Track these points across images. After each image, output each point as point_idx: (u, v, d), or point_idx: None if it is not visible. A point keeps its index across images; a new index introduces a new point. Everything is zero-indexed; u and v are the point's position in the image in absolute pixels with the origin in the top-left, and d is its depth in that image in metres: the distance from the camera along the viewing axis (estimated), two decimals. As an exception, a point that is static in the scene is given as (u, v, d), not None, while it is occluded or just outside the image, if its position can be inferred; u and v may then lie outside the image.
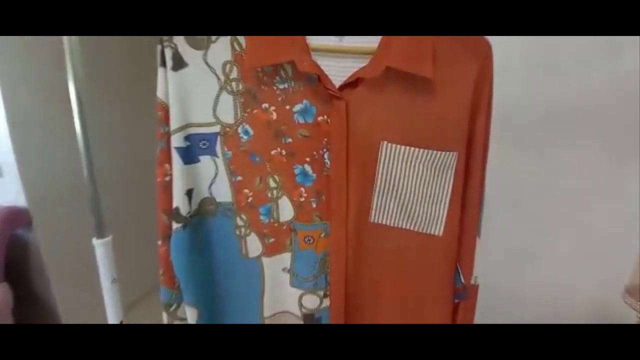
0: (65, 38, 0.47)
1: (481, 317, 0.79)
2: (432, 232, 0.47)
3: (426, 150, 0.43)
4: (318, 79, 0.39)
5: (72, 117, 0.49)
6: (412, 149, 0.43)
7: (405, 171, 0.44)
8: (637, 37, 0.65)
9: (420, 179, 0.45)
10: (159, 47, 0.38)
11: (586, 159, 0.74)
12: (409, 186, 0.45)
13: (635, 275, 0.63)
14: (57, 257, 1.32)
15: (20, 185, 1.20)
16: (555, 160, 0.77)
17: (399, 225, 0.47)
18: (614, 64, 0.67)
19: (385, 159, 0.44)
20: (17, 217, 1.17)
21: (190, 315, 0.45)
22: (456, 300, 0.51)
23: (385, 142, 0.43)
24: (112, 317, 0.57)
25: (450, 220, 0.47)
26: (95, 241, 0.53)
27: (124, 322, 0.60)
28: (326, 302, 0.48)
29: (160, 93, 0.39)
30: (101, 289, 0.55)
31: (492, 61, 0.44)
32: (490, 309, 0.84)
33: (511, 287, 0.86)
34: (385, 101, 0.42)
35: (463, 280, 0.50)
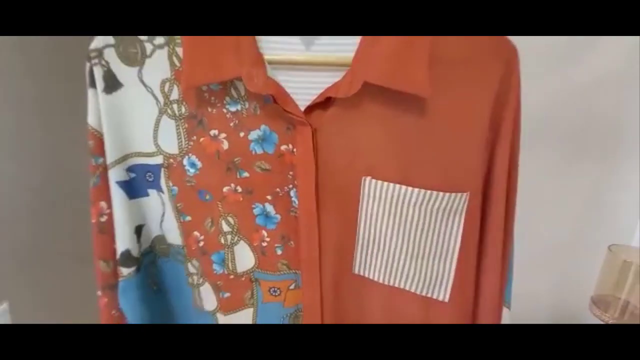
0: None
1: None
2: (435, 296, 0.36)
3: (424, 191, 0.32)
4: (273, 100, 0.30)
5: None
6: (405, 188, 0.32)
7: (396, 216, 0.34)
8: (584, 49, 0.68)
9: (417, 226, 0.34)
10: (87, 65, 0.32)
11: (540, 169, 0.74)
12: (402, 235, 0.34)
13: (598, 287, 0.63)
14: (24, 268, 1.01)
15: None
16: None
17: (391, 283, 0.36)
18: (566, 76, 0.70)
19: (368, 199, 0.34)
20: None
21: None
22: None
23: (369, 179, 0.33)
24: None
25: (460, 283, 0.35)
26: None
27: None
28: None
29: (91, 120, 0.33)
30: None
31: (519, 70, 0.31)
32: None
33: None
34: (367, 126, 0.32)
35: None
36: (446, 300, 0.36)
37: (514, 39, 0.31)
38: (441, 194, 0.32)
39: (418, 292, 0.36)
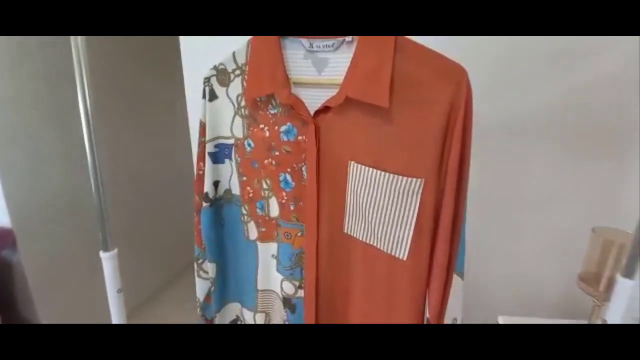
0: (73, 50, 0.48)
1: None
2: (396, 255, 0.48)
3: (391, 175, 0.45)
4: (291, 108, 0.49)
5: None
6: (377, 171, 0.46)
7: (371, 192, 0.47)
8: (588, 51, 0.74)
9: (386, 201, 0.47)
10: (202, 87, 0.57)
11: (544, 164, 0.85)
12: (375, 206, 0.48)
13: (585, 264, 0.72)
14: (41, 278, 1.22)
15: (4, 205, 1.13)
16: (517, 166, 0.86)
17: (368, 242, 0.50)
18: (566, 79, 0.78)
19: (353, 178, 0.49)
20: (1, 237, 1.07)
21: (211, 269, 0.63)
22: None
23: (353, 162, 0.48)
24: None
25: (415, 247, 0.47)
26: (102, 254, 0.56)
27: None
28: (300, 292, 0.56)
29: (201, 116, 0.58)
30: (101, 302, 0.53)
31: (468, 88, 0.41)
32: (468, 300, 0.79)
33: (483, 281, 0.96)
34: (351, 126, 0.47)
35: (427, 314, 0.47)
36: (405, 259, 0.47)
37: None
38: (402, 177, 0.45)
39: (386, 251, 0.49)
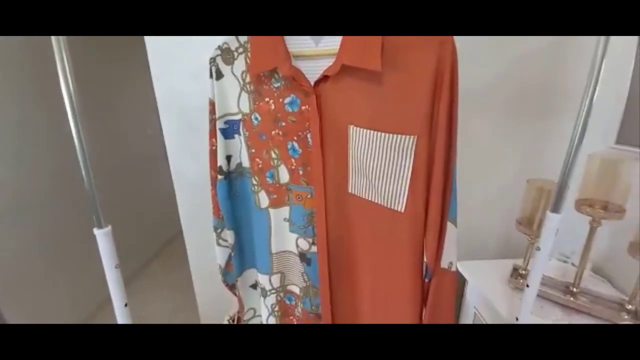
0: (55, 47, 0.48)
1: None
2: (395, 208, 0.54)
3: (386, 134, 0.50)
4: (293, 79, 0.53)
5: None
6: (374, 132, 0.51)
7: (370, 152, 0.52)
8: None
9: (383, 159, 0.52)
10: (209, 66, 0.61)
11: (485, 129, 0.99)
12: (374, 165, 0.53)
13: (522, 210, 0.83)
14: (3, 274, 1.26)
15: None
16: (463, 131, 0.83)
17: (370, 199, 0.56)
18: (507, 52, 0.92)
19: (353, 140, 0.53)
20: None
21: (230, 236, 0.69)
22: (426, 280, 0.55)
23: (352, 126, 0.53)
24: (117, 300, 0.61)
25: (411, 199, 0.52)
26: (96, 231, 0.55)
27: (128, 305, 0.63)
28: (314, 247, 0.63)
29: (210, 95, 0.63)
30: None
31: (453, 47, 0.45)
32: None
33: None
34: (348, 92, 0.51)
35: (425, 259, 0.53)
36: (402, 210, 0.53)
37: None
38: (397, 135, 0.49)
39: (386, 205, 0.54)
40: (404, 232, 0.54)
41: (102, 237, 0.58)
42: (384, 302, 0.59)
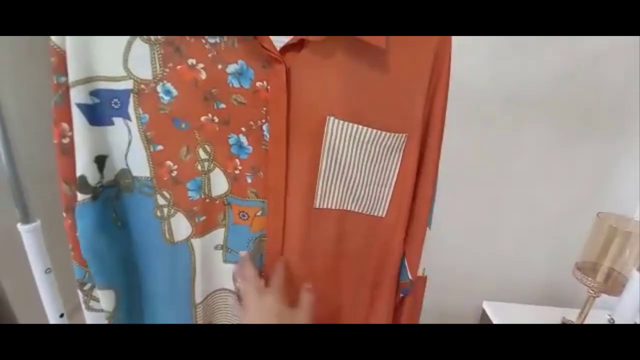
0: None
1: (440, 295, 0.82)
2: (376, 214, 0.45)
3: (375, 130, 0.40)
4: (254, 38, 0.33)
5: None
6: (361, 127, 0.39)
7: (352, 151, 0.41)
8: None
9: (368, 159, 0.42)
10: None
11: (540, 139, 0.76)
12: (356, 166, 0.42)
13: (587, 253, 0.64)
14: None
15: None
16: (510, 141, 0.77)
17: (344, 208, 0.44)
18: (571, 48, 0.69)
19: (331, 136, 0.40)
20: None
21: (106, 299, 0.40)
22: (401, 295, 0.51)
23: (332, 118, 0.39)
24: (51, 310, 0.50)
25: (395, 203, 0.45)
26: (21, 227, 0.45)
27: (65, 315, 0.53)
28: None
29: (54, 37, 0.31)
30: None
31: (451, 44, 0.40)
32: (451, 288, 0.89)
33: (469, 265, 0.89)
34: (333, 69, 0.37)
35: (409, 273, 0.48)
36: (383, 215, 0.45)
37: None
38: (388, 133, 0.40)
39: (364, 212, 0.45)
40: (382, 240, 0.47)
41: (29, 234, 0.45)
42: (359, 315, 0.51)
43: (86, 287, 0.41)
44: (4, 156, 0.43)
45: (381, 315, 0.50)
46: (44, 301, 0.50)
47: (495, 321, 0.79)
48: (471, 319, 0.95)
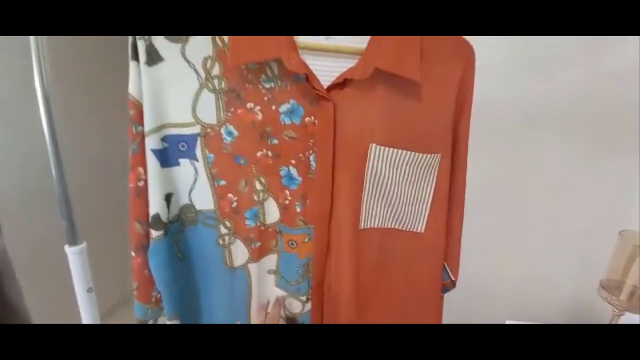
0: (33, 47, 0.43)
1: (462, 315, 0.83)
2: (415, 230, 0.48)
3: (412, 153, 0.43)
4: (306, 79, 0.38)
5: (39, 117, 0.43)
6: (400, 151, 0.43)
7: (392, 173, 0.44)
8: (615, 38, 0.67)
9: (406, 179, 0.45)
10: (130, 39, 0.34)
11: (561, 156, 0.77)
12: (396, 187, 0.45)
13: (611, 271, 0.64)
14: (28, 264, 1.23)
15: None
16: (531, 158, 0.79)
17: (386, 226, 0.47)
18: (592, 66, 0.71)
19: (373, 161, 0.43)
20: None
21: None
22: (443, 294, 0.53)
23: (374, 145, 0.43)
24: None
25: (432, 218, 0.48)
26: (68, 248, 0.48)
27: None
28: (308, 306, 0.47)
29: (132, 90, 0.35)
30: (76, 297, 0.51)
31: (474, 64, 0.45)
32: (471, 307, 0.89)
33: (490, 283, 0.89)
34: (373, 102, 0.41)
35: (451, 274, 0.51)
36: (422, 231, 0.48)
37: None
38: (424, 155, 0.44)
39: (404, 229, 0.48)
40: (422, 254, 0.49)
41: (75, 256, 0.49)
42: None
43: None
44: (57, 185, 0.47)
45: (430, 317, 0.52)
46: (83, 319, 0.54)
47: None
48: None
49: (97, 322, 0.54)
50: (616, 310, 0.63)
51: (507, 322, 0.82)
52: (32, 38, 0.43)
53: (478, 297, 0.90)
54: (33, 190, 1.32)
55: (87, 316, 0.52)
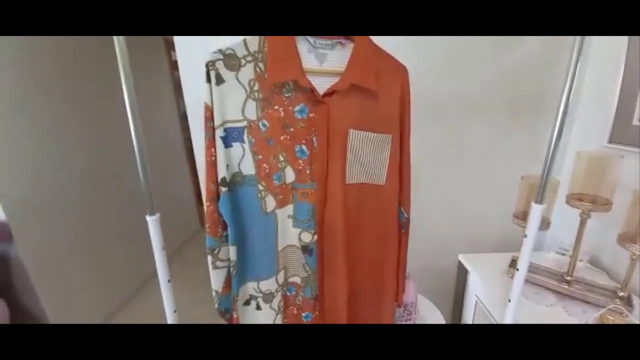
0: (115, 38, 0.53)
1: (423, 253, 1.25)
2: (379, 183, 0.76)
3: (374, 134, 0.70)
4: (310, 90, 0.62)
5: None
6: (367, 133, 0.70)
7: (363, 146, 0.71)
8: (517, 38, 1.01)
9: (372, 150, 0.72)
10: (205, 69, 0.56)
11: (483, 131, 1.12)
12: (366, 156, 0.72)
13: (517, 204, 0.91)
14: (42, 270, 1.36)
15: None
16: (465, 133, 1.14)
17: (361, 182, 0.74)
18: (502, 61, 1.04)
19: (352, 140, 0.70)
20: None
21: (231, 252, 0.65)
22: (402, 230, 0.81)
23: (352, 129, 0.69)
24: (162, 277, 0.70)
25: (389, 175, 0.76)
26: (148, 217, 0.66)
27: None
28: (316, 238, 0.73)
29: (207, 100, 0.57)
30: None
31: (408, 77, 0.72)
32: (430, 246, 1.27)
33: (441, 224, 1.26)
34: (350, 104, 0.67)
35: (404, 213, 0.79)
36: (384, 184, 0.76)
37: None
38: (382, 135, 0.71)
39: (372, 183, 0.75)
40: (385, 199, 0.77)
41: (153, 223, 0.67)
42: (376, 249, 0.78)
43: (215, 252, 0.66)
44: (140, 167, 0.62)
45: (391, 248, 0.80)
46: (158, 269, 0.70)
47: (467, 267, 1.06)
48: (451, 268, 1.26)
49: (168, 278, 0.69)
50: (524, 233, 0.80)
51: (460, 256, 1.13)
52: (115, 40, 0.52)
53: (434, 238, 1.26)
54: (44, 199, 1.42)
55: (161, 269, 0.68)
